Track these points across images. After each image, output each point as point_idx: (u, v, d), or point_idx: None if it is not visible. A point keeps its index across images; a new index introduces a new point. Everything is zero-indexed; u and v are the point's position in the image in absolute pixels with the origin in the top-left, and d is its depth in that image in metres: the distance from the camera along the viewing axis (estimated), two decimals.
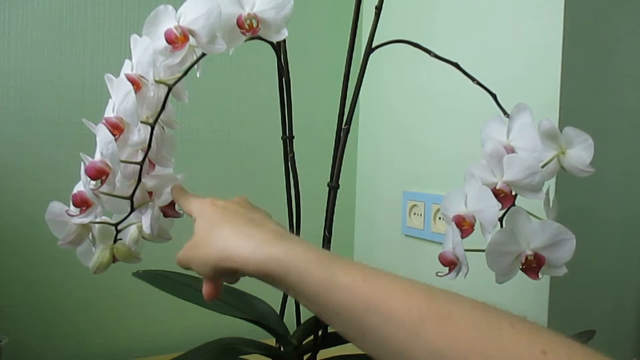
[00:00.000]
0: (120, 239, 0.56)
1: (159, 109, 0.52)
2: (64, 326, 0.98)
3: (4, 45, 0.92)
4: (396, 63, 1.15)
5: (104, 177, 0.49)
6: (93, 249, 0.56)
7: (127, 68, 0.53)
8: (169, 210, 0.58)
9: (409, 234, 1.10)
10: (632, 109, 0.91)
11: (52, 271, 0.96)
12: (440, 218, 1.02)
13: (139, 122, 0.51)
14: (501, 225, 0.57)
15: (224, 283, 0.49)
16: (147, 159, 0.53)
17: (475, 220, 0.56)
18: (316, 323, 0.64)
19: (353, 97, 0.62)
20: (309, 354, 0.65)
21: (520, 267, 0.55)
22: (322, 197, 0.64)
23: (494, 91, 0.62)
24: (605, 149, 0.83)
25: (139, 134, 0.53)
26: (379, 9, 0.61)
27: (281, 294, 0.68)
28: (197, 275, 0.48)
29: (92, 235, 0.55)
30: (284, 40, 0.61)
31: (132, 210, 0.54)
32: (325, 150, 0.73)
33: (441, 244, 0.60)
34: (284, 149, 0.67)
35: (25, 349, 0.93)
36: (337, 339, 0.63)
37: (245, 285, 0.57)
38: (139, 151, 0.54)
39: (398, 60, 1.14)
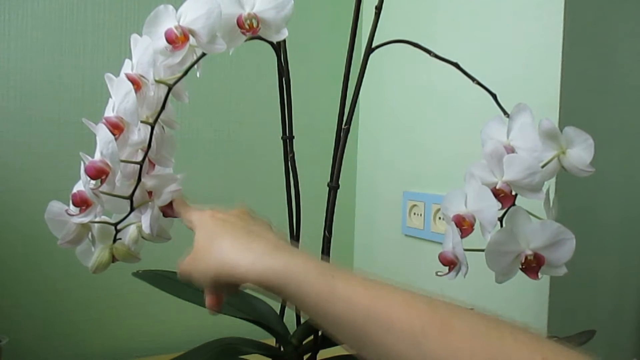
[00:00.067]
0: (120, 239, 0.56)
1: (159, 108, 0.52)
2: (64, 326, 0.98)
3: (4, 45, 0.93)
4: (396, 63, 1.15)
5: (103, 177, 0.49)
6: (92, 249, 0.56)
7: (127, 68, 0.53)
8: (169, 210, 0.58)
9: (409, 234, 1.10)
10: (632, 109, 0.91)
11: (52, 271, 0.96)
12: (440, 218, 1.02)
13: (139, 122, 0.51)
14: (501, 225, 0.57)
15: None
16: (147, 159, 0.53)
17: (475, 220, 0.56)
18: None
19: (353, 97, 0.62)
20: (309, 354, 0.65)
21: (520, 267, 0.55)
22: (322, 197, 0.64)
23: (494, 91, 0.62)
24: (605, 149, 0.83)
25: (139, 134, 0.53)
26: (379, 9, 0.61)
27: None
28: None
29: (92, 235, 0.55)
30: (284, 40, 0.61)
31: (132, 209, 0.54)
32: (325, 150, 0.73)
33: (441, 244, 0.60)
34: (284, 149, 0.67)
35: (25, 349, 0.93)
36: None
37: None
38: (139, 151, 0.54)
39: (398, 60, 1.14)
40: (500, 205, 0.55)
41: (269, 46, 0.61)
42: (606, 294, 0.90)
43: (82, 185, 0.52)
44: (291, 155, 0.66)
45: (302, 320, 0.68)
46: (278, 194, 0.68)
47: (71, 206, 0.52)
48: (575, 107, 0.81)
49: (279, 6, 0.54)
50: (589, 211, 0.86)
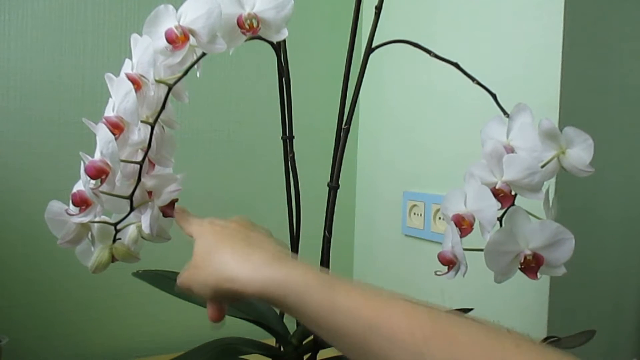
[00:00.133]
0: (120, 239, 0.56)
1: (159, 108, 0.52)
2: (64, 326, 0.98)
3: (4, 45, 0.93)
4: (396, 63, 1.15)
5: (103, 177, 0.49)
6: (92, 249, 0.56)
7: (127, 67, 0.53)
8: (169, 210, 0.58)
9: (409, 234, 1.10)
10: (632, 109, 0.91)
11: (52, 271, 0.96)
12: (440, 218, 1.02)
13: (139, 122, 0.51)
14: (500, 225, 0.57)
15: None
16: (146, 159, 0.53)
17: (474, 219, 0.56)
18: None
19: (353, 97, 0.62)
20: (309, 354, 0.65)
21: (519, 266, 0.55)
22: (322, 197, 0.64)
23: (494, 91, 0.62)
24: (605, 149, 0.83)
25: (139, 134, 0.53)
26: (379, 9, 0.61)
27: None
28: None
29: (91, 235, 0.55)
30: (284, 40, 0.61)
31: (132, 209, 0.54)
32: (325, 150, 0.73)
33: (441, 243, 0.60)
34: (284, 149, 0.67)
35: (25, 349, 0.93)
36: None
37: None
38: (139, 151, 0.54)
39: (398, 60, 1.14)
40: (499, 205, 0.55)
41: (269, 46, 0.61)
42: (606, 293, 0.90)
43: (82, 185, 0.52)
44: (291, 155, 0.66)
45: None
46: (278, 194, 0.68)
47: (71, 206, 0.52)
48: (575, 107, 0.81)
49: (279, 6, 0.54)
50: (589, 211, 0.86)
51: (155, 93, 0.53)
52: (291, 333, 0.66)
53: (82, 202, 0.51)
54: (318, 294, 0.38)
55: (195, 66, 0.54)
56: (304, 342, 0.65)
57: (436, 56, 0.63)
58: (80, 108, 0.98)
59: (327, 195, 0.64)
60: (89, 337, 1.00)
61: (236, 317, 0.63)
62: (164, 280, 0.69)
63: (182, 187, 0.59)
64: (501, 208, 0.56)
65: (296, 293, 0.39)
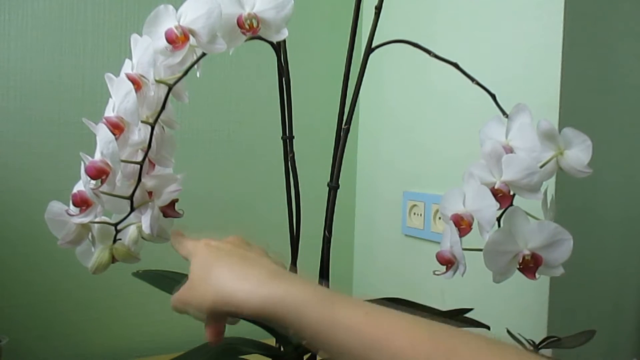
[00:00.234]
0: (120, 239, 0.56)
1: (159, 108, 0.52)
2: (64, 326, 0.98)
3: (4, 45, 0.93)
4: (396, 63, 1.15)
5: (104, 177, 0.49)
6: (92, 249, 0.56)
7: (127, 67, 0.53)
8: (169, 210, 0.58)
9: (409, 234, 1.10)
10: (632, 109, 0.91)
11: (52, 271, 0.96)
12: (440, 218, 1.02)
13: (139, 122, 0.51)
14: (499, 225, 0.57)
15: None
16: (147, 159, 0.53)
17: (473, 219, 0.56)
18: None
19: (353, 97, 0.62)
20: (309, 354, 0.65)
21: (518, 266, 0.55)
22: (322, 197, 0.64)
23: (493, 91, 0.62)
24: (605, 149, 0.83)
25: (139, 134, 0.53)
26: (379, 9, 0.61)
27: None
28: None
29: (92, 235, 0.55)
30: (284, 40, 0.61)
31: (132, 210, 0.54)
32: (325, 150, 0.73)
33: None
34: (284, 149, 0.67)
35: (25, 349, 0.93)
36: None
37: None
38: (139, 151, 0.54)
39: (398, 60, 1.14)
40: (498, 205, 0.55)
41: (269, 46, 0.61)
42: (606, 293, 0.90)
43: (83, 185, 0.52)
44: (291, 155, 0.66)
45: None
46: (278, 194, 0.68)
47: (71, 206, 0.52)
48: (575, 107, 0.81)
49: (279, 6, 0.54)
50: (588, 211, 0.86)
51: (155, 93, 0.53)
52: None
53: (82, 203, 0.51)
54: (317, 310, 0.38)
55: (195, 66, 0.54)
56: (304, 342, 0.65)
57: (436, 56, 0.63)
58: (80, 108, 0.98)
59: (327, 195, 0.64)
60: (89, 337, 1.00)
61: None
62: (164, 280, 0.69)
63: (182, 187, 0.59)
64: (500, 208, 0.56)
65: (295, 310, 0.39)
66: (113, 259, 0.55)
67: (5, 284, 0.93)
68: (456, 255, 0.57)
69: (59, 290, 0.97)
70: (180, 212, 0.59)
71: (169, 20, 0.52)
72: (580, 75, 0.81)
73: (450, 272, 0.58)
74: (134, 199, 0.53)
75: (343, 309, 0.38)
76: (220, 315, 0.44)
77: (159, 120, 0.52)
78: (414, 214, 1.08)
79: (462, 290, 0.93)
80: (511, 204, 0.56)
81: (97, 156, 0.50)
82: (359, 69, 0.63)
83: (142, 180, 0.53)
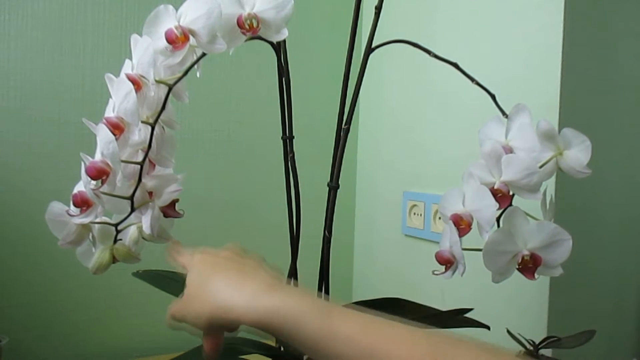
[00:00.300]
0: (120, 240, 0.56)
1: (159, 108, 0.52)
2: (64, 326, 0.98)
3: (4, 45, 0.93)
4: (396, 63, 1.15)
5: (104, 177, 0.49)
6: (93, 250, 0.56)
7: (127, 68, 0.53)
8: (169, 210, 0.58)
9: (409, 234, 1.10)
10: (632, 109, 0.91)
11: (52, 271, 0.96)
12: (440, 218, 1.02)
13: (140, 122, 0.51)
14: (498, 225, 0.57)
15: None
16: (147, 159, 0.53)
17: (472, 219, 0.56)
18: None
19: (353, 97, 0.62)
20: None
21: (517, 267, 0.55)
22: (322, 197, 0.64)
23: (493, 91, 0.62)
24: (605, 149, 0.83)
25: (139, 134, 0.53)
26: (379, 9, 0.61)
27: None
28: None
29: (92, 236, 0.55)
30: (284, 40, 0.61)
31: (132, 210, 0.54)
32: (325, 150, 0.73)
33: None
34: (284, 149, 0.67)
35: (25, 349, 0.93)
36: None
37: None
38: (139, 151, 0.54)
39: (398, 60, 1.14)
40: (498, 205, 0.55)
41: (269, 46, 0.61)
42: (606, 294, 0.90)
43: (83, 185, 0.52)
44: (291, 155, 0.66)
45: None
46: (278, 194, 0.68)
47: (72, 207, 0.52)
48: (575, 107, 0.81)
49: (279, 6, 0.54)
50: (588, 211, 0.86)
51: (156, 93, 0.53)
52: None
53: (83, 203, 0.51)
54: (315, 321, 0.38)
55: (195, 66, 0.54)
56: (305, 358, 0.65)
57: (436, 56, 0.63)
58: (80, 108, 0.98)
59: (327, 195, 0.64)
60: (89, 337, 1.00)
61: None
62: (164, 280, 0.69)
63: (182, 187, 0.59)
64: (499, 208, 0.56)
65: (293, 321, 0.39)
66: (114, 259, 0.56)
67: (5, 284, 0.93)
68: (455, 255, 0.57)
69: (59, 290, 0.97)
70: (181, 212, 0.59)
71: (169, 20, 0.53)
72: (580, 75, 0.81)
73: (449, 272, 0.58)
74: (135, 199, 0.53)
75: (341, 319, 0.38)
76: (218, 328, 0.44)
77: (159, 120, 0.52)
78: (414, 214, 1.08)
79: (462, 290, 0.93)
80: (510, 204, 0.56)
81: (98, 156, 0.50)
82: (359, 69, 0.63)
83: (143, 180, 0.53)
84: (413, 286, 1.07)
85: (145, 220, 0.56)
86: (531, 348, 0.62)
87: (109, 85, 0.53)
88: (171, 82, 0.52)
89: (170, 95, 0.52)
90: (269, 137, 0.96)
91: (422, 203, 1.06)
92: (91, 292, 0.99)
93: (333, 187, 0.64)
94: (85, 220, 0.52)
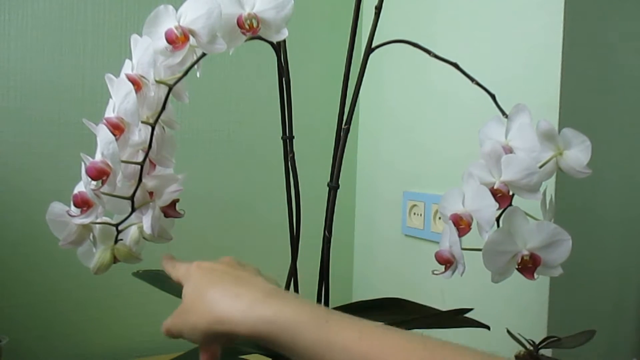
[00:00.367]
0: (121, 240, 0.56)
1: (159, 109, 0.52)
2: (64, 326, 0.98)
3: (4, 45, 0.93)
4: (396, 63, 1.15)
5: (104, 178, 0.49)
6: (94, 250, 0.56)
7: (127, 68, 0.53)
8: (170, 210, 0.58)
9: (409, 234, 1.10)
10: (632, 109, 0.91)
11: (52, 271, 0.96)
12: (440, 218, 1.02)
13: (140, 122, 0.51)
14: (498, 225, 0.57)
15: None
16: (147, 159, 0.53)
17: (472, 219, 0.56)
18: None
19: (353, 97, 0.62)
20: None
21: (516, 267, 0.55)
22: (322, 197, 0.64)
23: (493, 91, 0.62)
24: (605, 149, 0.83)
25: (139, 134, 0.53)
26: (379, 9, 0.61)
27: None
28: None
29: (93, 236, 0.55)
30: (284, 40, 0.61)
31: (133, 210, 0.54)
32: (325, 150, 0.73)
33: None
34: (284, 149, 0.67)
35: (25, 349, 0.94)
36: None
37: None
38: (140, 151, 0.54)
39: (398, 60, 1.14)
40: (497, 205, 0.55)
41: (269, 46, 0.61)
42: (606, 294, 0.90)
43: (83, 186, 0.52)
44: (291, 155, 0.66)
45: None
46: (278, 194, 0.68)
47: (72, 207, 0.52)
48: (575, 107, 0.81)
49: (279, 6, 0.54)
50: (588, 211, 0.86)
51: (156, 93, 0.53)
52: None
53: (83, 203, 0.51)
54: (312, 330, 0.38)
55: (195, 66, 0.54)
56: None
57: (436, 56, 0.63)
58: (80, 108, 0.98)
59: (327, 195, 0.64)
60: (89, 337, 1.00)
61: None
62: (164, 280, 0.68)
63: (182, 187, 0.59)
64: (499, 208, 0.56)
65: (289, 330, 0.38)
66: (115, 260, 0.56)
67: (5, 284, 0.93)
68: (455, 255, 0.57)
69: (59, 290, 0.97)
70: (181, 212, 0.59)
71: (169, 20, 0.52)
72: (580, 75, 0.82)
73: (449, 272, 0.58)
74: (135, 199, 0.53)
75: (338, 328, 0.38)
76: (215, 338, 0.43)
77: (159, 120, 0.52)
78: (414, 214, 1.08)
79: (462, 290, 0.93)
80: (510, 204, 0.56)
81: (98, 157, 0.50)
82: (359, 69, 0.63)
83: (143, 180, 0.53)
84: (413, 286, 1.07)
85: (146, 221, 0.56)
86: (531, 348, 0.62)
87: (109, 86, 0.53)
88: (171, 82, 0.52)
89: (170, 95, 0.52)
90: (269, 137, 0.96)
91: (422, 203, 1.06)
92: (91, 292, 0.99)
93: (333, 187, 0.64)
94: (86, 220, 0.52)
